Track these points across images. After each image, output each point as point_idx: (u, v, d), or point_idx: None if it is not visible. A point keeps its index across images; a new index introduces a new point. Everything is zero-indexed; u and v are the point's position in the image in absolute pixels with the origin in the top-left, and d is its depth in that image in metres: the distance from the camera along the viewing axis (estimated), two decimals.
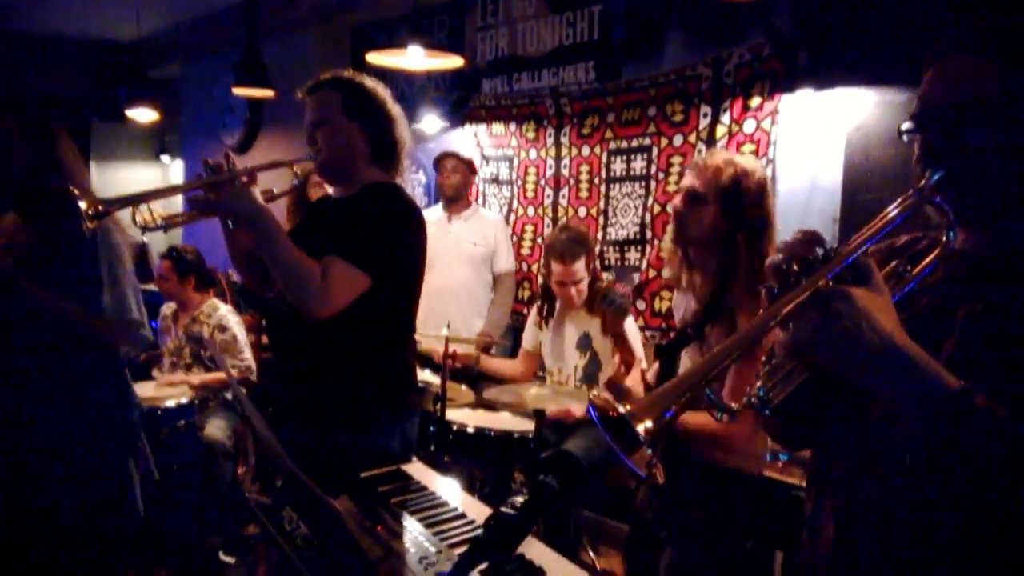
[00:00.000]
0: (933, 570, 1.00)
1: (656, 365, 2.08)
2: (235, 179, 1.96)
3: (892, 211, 1.00)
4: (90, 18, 6.64)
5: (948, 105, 1.04)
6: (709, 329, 1.97)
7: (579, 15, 4.13)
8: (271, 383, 3.77)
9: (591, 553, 3.52)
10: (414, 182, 5.18)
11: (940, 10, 2.76)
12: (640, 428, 0.83)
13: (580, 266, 3.30)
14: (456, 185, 4.21)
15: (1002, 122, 1.00)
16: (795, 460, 2.56)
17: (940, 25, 2.70)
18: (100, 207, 1.78)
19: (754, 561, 2.32)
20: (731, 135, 3.50)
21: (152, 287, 4.35)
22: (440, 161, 4.27)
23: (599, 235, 4.11)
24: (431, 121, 4.75)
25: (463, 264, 4.15)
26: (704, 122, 3.63)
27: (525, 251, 4.54)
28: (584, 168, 4.22)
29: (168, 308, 4.13)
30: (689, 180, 2.03)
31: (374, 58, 3.61)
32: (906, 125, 1.09)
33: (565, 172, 4.32)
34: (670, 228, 2.12)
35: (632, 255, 4.00)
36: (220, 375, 3.88)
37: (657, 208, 3.86)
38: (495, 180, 4.70)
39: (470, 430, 3.24)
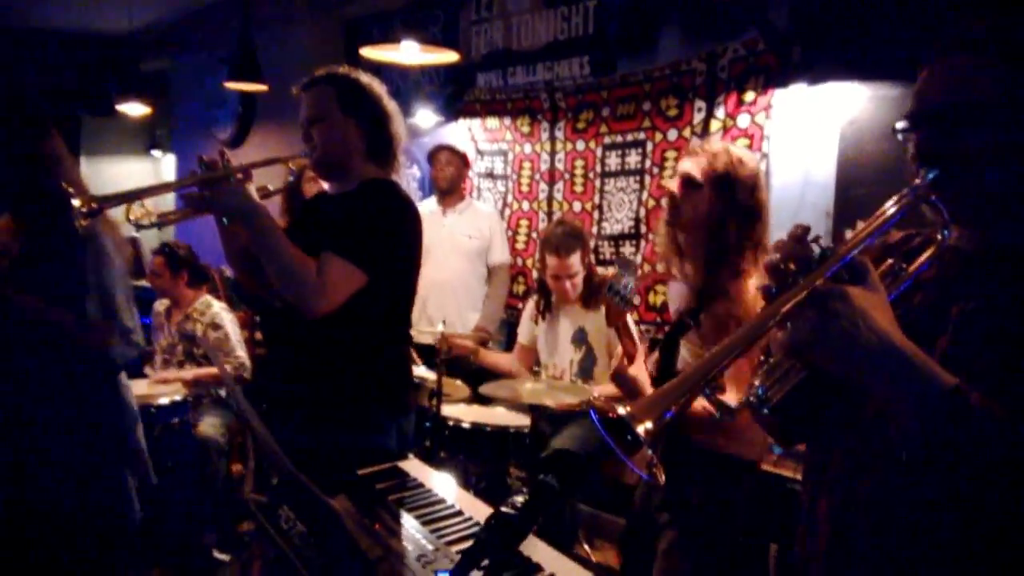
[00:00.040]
0: (929, 568, 1.00)
1: (656, 354, 2.12)
2: (230, 176, 1.95)
3: (888, 209, 1.01)
4: (80, 11, 6.59)
5: (944, 104, 1.04)
6: (702, 316, 2.01)
7: (574, 9, 4.12)
8: (265, 380, 3.76)
9: (586, 547, 3.54)
10: (408, 177, 5.17)
11: (934, 6, 2.76)
12: (640, 429, 0.83)
13: (575, 260, 3.30)
14: (450, 178, 4.21)
15: (997, 122, 1.01)
16: (789, 453, 2.57)
17: (934, 21, 2.70)
18: (94, 204, 1.76)
19: (749, 552, 2.34)
20: (725, 129, 3.51)
21: (145, 283, 4.34)
22: (434, 154, 4.27)
23: (594, 229, 4.11)
24: (425, 115, 4.74)
25: (458, 257, 4.16)
26: (698, 116, 3.63)
27: (520, 245, 4.54)
28: (579, 162, 4.21)
29: (161, 305, 4.11)
30: (685, 165, 2.08)
31: (368, 52, 3.60)
32: (901, 124, 1.10)
33: (560, 166, 4.32)
34: (664, 212, 2.16)
35: (627, 249, 4.01)
36: (213, 370, 3.86)
37: (652, 203, 3.86)
38: (490, 174, 4.69)
39: (466, 426, 3.24)
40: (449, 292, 4.09)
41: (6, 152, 2.13)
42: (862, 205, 3.05)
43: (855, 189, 3.12)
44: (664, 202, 2.15)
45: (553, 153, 4.33)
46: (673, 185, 2.11)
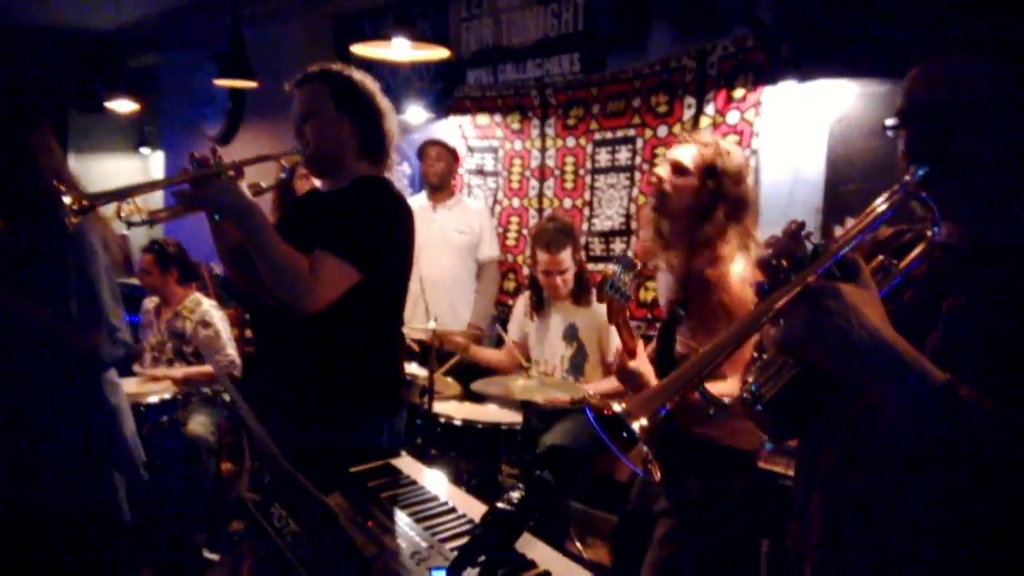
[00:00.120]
0: (922, 562, 1.01)
1: (653, 344, 2.16)
2: (222, 173, 1.94)
3: (879, 206, 1.01)
4: (68, 7, 6.53)
5: (934, 102, 1.05)
6: (690, 306, 2.06)
7: (564, 6, 4.12)
8: (255, 378, 3.75)
9: (578, 544, 3.55)
10: (399, 173, 5.14)
11: (922, 4, 2.78)
12: (636, 426, 0.84)
13: (566, 256, 3.31)
14: (440, 172, 4.21)
15: (987, 120, 1.02)
16: (780, 449, 2.58)
17: (922, 19, 2.72)
18: (85, 202, 1.75)
19: (742, 546, 2.36)
20: (715, 126, 3.52)
21: (134, 281, 4.32)
22: (424, 149, 4.27)
23: (584, 226, 4.12)
24: (416, 112, 4.73)
25: (449, 252, 4.16)
26: (688, 113, 3.64)
27: (510, 242, 4.54)
28: (569, 159, 4.22)
29: (150, 302, 4.08)
30: (675, 153, 2.14)
31: (359, 49, 3.59)
32: (891, 121, 1.10)
33: (550, 163, 4.32)
34: (650, 198, 2.21)
35: (617, 246, 4.02)
36: (203, 369, 3.84)
37: (642, 199, 3.87)
38: (480, 171, 4.69)
39: (457, 423, 3.25)
40: (441, 288, 4.08)
41: None
42: (851, 202, 3.07)
43: (844, 186, 3.14)
44: (646, 178, 2.19)
45: (543, 150, 4.33)
46: (662, 171, 2.15)
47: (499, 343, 3.98)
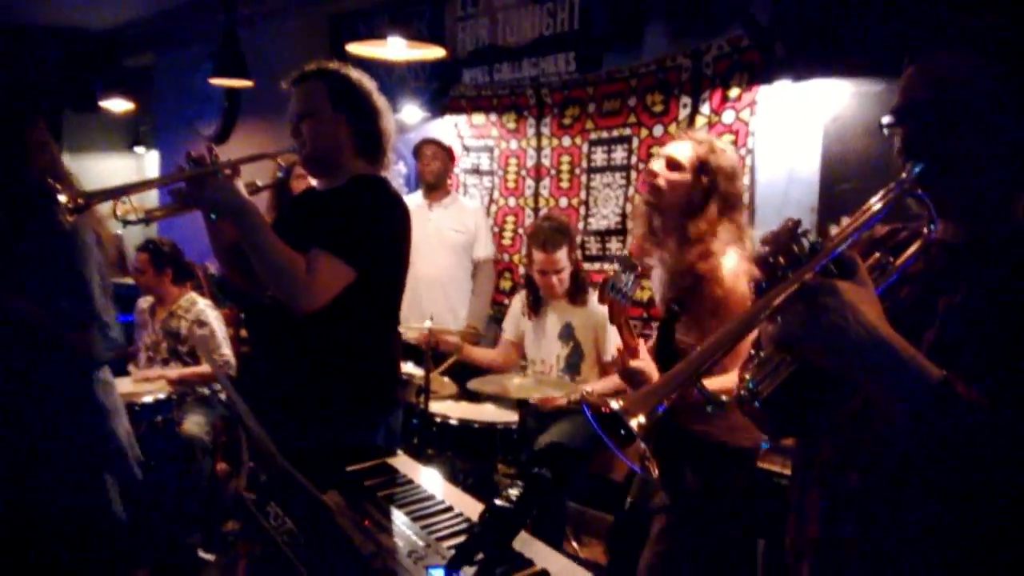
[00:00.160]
0: (919, 558, 1.02)
1: (653, 340, 2.20)
2: (218, 171, 1.94)
3: (875, 204, 1.02)
4: (63, 5, 6.51)
5: (930, 99, 1.05)
6: (684, 301, 2.09)
7: (559, 5, 4.12)
8: (250, 378, 3.75)
9: (574, 543, 3.55)
10: (395, 172, 5.15)
11: (916, 3, 2.78)
12: (634, 423, 0.84)
13: (562, 255, 3.31)
14: (436, 171, 4.21)
15: (983, 117, 1.02)
16: (776, 448, 2.59)
17: (917, 18, 2.73)
18: (81, 200, 1.75)
19: (739, 544, 2.38)
20: (710, 125, 3.52)
21: (128, 280, 4.30)
22: (420, 148, 4.27)
23: (580, 225, 4.12)
24: (411, 111, 4.73)
25: (445, 251, 4.16)
26: (684, 112, 3.65)
27: (506, 241, 4.54)
28: (565, 158, 4.22)
29: (145, 302, 4.07)
30: (670, 149, 2.19)
31: (354, 48, 3.59)
32: (887, 119, 1.11)
33: (546, 162, 4.32)
34: (644, 191, 2.28)
35: (613, 245, 4.02)
36: (198, 370, 3.84)
37: (638, 198, 3.87)
38: (476, 170, 4.69)
39: (453, 422, 3.25)
40: (437, 287, 4.09)
41: None
42: (846, 201, 3.08)
43: (839, 185, 3.15)
44: (643, 179, 2.22)
45: (539, 149, 4.34)
46: (657, 166, 2.19)
47: (495, 343, 3.98)
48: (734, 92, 3.44)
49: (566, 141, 4.20)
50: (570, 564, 1.36)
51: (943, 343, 1.01)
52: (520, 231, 4.45)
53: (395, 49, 3.52)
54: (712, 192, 2.11)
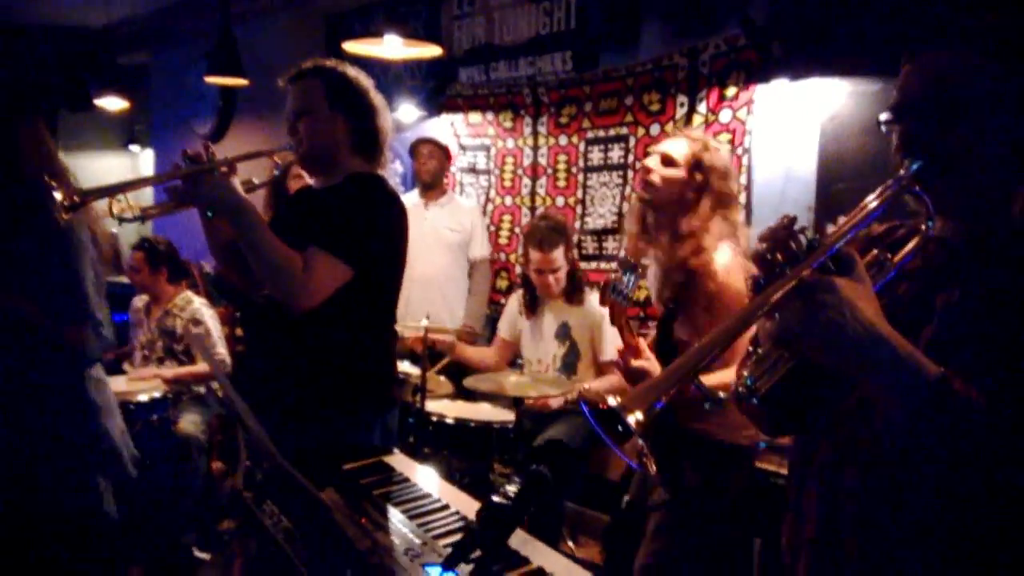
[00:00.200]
0: (917, 555, 1.02)
1: (652, 335, 2.23)
2: (214, 169, 1.93)
3: (872, 201, 1.02)
4: (58, 4, 6.49)
5: (928, 96, 1.06)
6: (679, 297, 2.13)
7: (556, 4, 4.12)
8: (244, 377, 3.74)
9: (570, 543, 3.55)
10: (391, 171, 5.15)
11: (913, 3, 2.79)
12: (631, 420, 0.83)
13: (559, 254, 3.31)
14: (433, 171, 4.21)
15: (980, 114, 1.02)
16: (773, 448, 2.59)
17: (913, 17, 2.73)
18: (76, 198, 1.74)
19: (736, 543, 2.38)
20: (707, 124, 3.52)
21: (123, 279, 4.29)
22: (416, 147, 4.26)
23: (577, 224, 4.12)
24: (408, 110, 4.73)
25: (441, 251, 4.15)
26: (681, 112, 3.65)
27: (503, 240, 4.54)
28: (561, 157, 4.22)
29: (140, 300, 4.06)
30: (665, 146, 2.21)
31: (350, 46, 3.58)
32: (884, 116, 1.11)
33: (542, 161, 4.32)
34: (637, 187, 2.30)
35: (610, 244, 4.02)
36: (194, 369, 3.82)
37: (634, 196, 3.87)
38: (472, 169, 4.69)
39: (450, 421, 3.24)
40: (433, 286, 4.08)
41: None
42: (843, 200, 3.08)
43: (836, 184, 3.15)
44: (639, 177, 2.28)
45: (536, 148, 4.33)
46: (651, 163, 2.21)
47: (489, 342, 3.98)
48: (731, 91, 3.44)
49: (563, 140, 4.20)
50: (567, 562, 1.36)
51: (941, 340, 1.01)
52: (517, 230, 4.44)
53: (391, 47, 3.51)
54: (705, 189, 2.13)
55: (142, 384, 3.60)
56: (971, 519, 0.96)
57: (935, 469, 0.95)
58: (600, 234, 4.06)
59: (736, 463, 2.24)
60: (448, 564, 1.09)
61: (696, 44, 3.54)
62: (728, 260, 2.11)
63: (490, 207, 4.59)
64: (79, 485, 2.19)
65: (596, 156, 4.05)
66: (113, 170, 7.85)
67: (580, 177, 4.14)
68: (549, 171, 4.29)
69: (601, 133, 4.02)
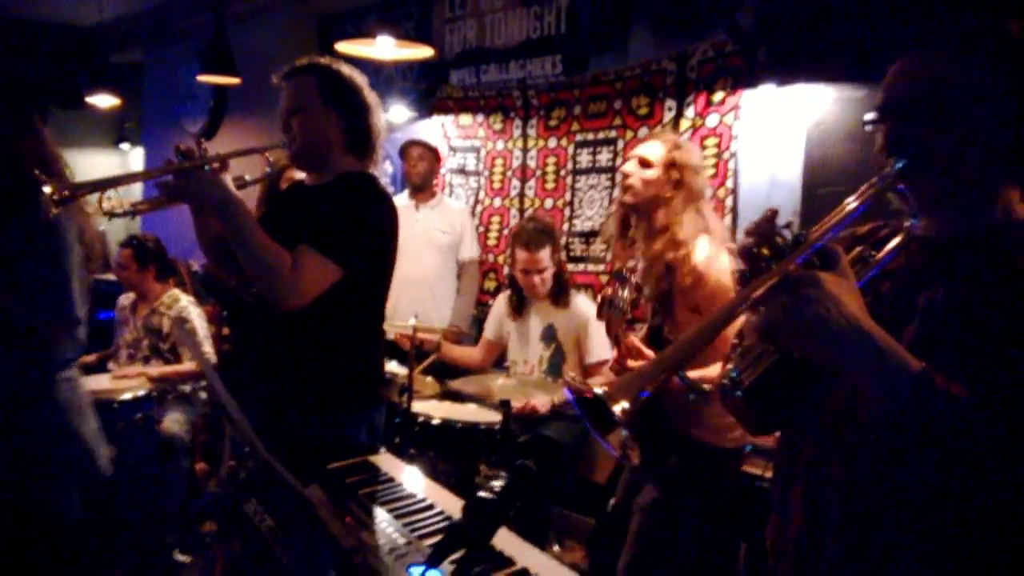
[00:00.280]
0: (901, 551, 1.02)
1: (644, 331, 2.30)
2: (206, 165, 1.92)
3: (856, 198, 1.03)
4: (50, 1, 6.46)
5: (913, 96, 1.07)
6: (663, 292, 2.21)
7: (546, 8, 4.14)
8: (231, 375, 3.71)
9: (556, 546, 3.54)
10: (381, 171, 5.14)
11: (897, 10, 2.82)
12: (617, 409, 0.84)
13: (545, 255, 3.31)
14: (423, 173, 4.21)
15: (964, 114, 1.04)
16: (758, 451, 2.60)
17: (899, 24, 2.75)
18: (66, 192, 1.72)
19: (720, 549, 2.39)
20: (695, 129, 3.55)
21: (109, 277, 4.25)
22: (406, 149, 4.26)
23: (565, 226, 4.14)
24: (398, 111, 4.73)
25: (432, 252, 4.15)
26: (668, 116, 3.67)
27: (491, 242, 4.54)
28: (551, 160, 4.23)
29: (126, 298, 4.02)
30: (641, 149, 2.32)
31: (343, 47, 3.58)
32: (870, 116, 1.12)
33: (532, 163, 4.33)
34: (616, 207, 2.41)
35: (597, 246, 4.03)
36: (179, 368, 3.80)
37: (616, 202, 3.88)
38: (462, 171, 4.69)
39: (436, 422, 3.23)
40: (424, 287, 4.08)
41: None
42: (828, 205, 3.03)
43: (821, 189, 3.17)
44: (618, 181, 2.38)
45: (525, 150, 4.35)
46: (629, 167, 2.31)
47: (476, 343, 3.97)
48: (718, 96, 3.46)
49: (552, 142, 4.21)
50: (553, 563, 1.35)
51: (923, 338, 1.02)
52: (505, 231, 4.45)
53: (383, 49, 3.52)
54: (679, 186, 2.23)
55: (126, 382, 3.56)
56: (955, 514, 0.97)
57: (919, 464, 0.96)
58: (588, 236, 4.07)
59: (721, 466, 2.26)
60: (432, 561, 1.08)
61: (684, 49, 3.56)
62: (707, 253, 2.17)
63: (479, 208, 4.60)
64: (41, 487, 2.15)
65: (585, 159, 4.07)
66: (103, 168, 7.78)
67: (569, 179, 4.15)
68: (538, 173, 4.30)
69: (590, 136, 4.03)
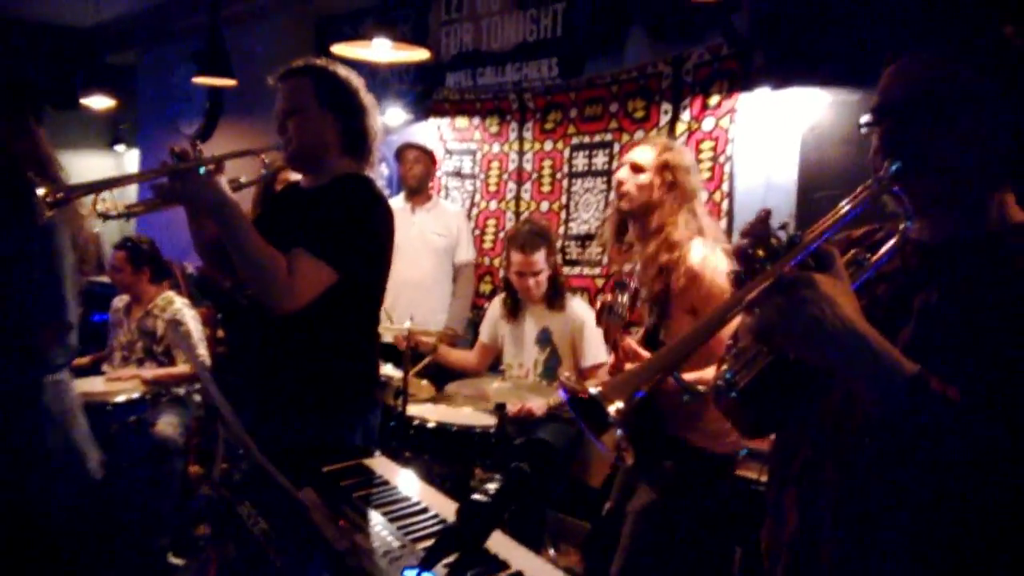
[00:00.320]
0: (893, 551, 1.02)
1: (641, 332, 2.31)
2: (201, 167, 1.92)
3: (852, 201, 1.03)
4: (46, 1, 6.45)
5: (908, 98, 1.07)
6: (660, 292, 2.22)
7: (543, 11, 4.15)
8: (225, 378, 3.70)
9: (551, 550, 3.53)
10: (377, 174, 5.13)
11: (892, 14, 2.82)
12: (611, 409, 0.83)
13: (540, 257, 3.31)
14: (419, 176, 4.20)
15: (959, 116, 1.04)
16: (753, 454, 2.60)
17: (894, 28, 2.76)
18: (60, 194, 1.71)
19: (715, 553, 2.39)
20: (691, 132, 3.55)
21: (104, 279, 4.24)
22: (402, 152, 4.25)
23: (561, 229, 4.14)
24: (395, 114, 4.73)
25: (428, 255, 4.15)
26: (664, 119, 3.67)
27: (487, 245, 4.54)
28: (546, 163, 4.23)
29: (120, 301, 4.01)
30: (632, 155, 2.34)
31: (339, 49, 3.57)
32: (865, 118, 1.12)
33: (528, 166, 4.33)
34: (612, 212, 2.42)
35: (593, 250, 4.03)
36: (173, 370, 3.78)
37: (612, 209, 3.88)
38: (458, 173, 4.69)
39: (431, 425, 3.22)
40: (420, 290, 4.07)
41: None
42: (823, 209, 3.04)
43: (816, 193, 3.18)
44: (614, 199, 2.38)
45: (521, 153, 4.35)
46: (623, 174, 2.32)
47: (471, 346, 3.97)
48: (714, 99, 3.47)
49: (548, 146, 4.22)
50: (547, 567, 1.35)
51: (918, 341, 1.02)
52: (501, 235, 4.45)
53: (380, 51, 3.51)
54: (673, 187, 2.25)
55: (120, 384, 3.55)
56: (950, 517, 0.97)
57: (914, 467, 0.96)
58: (583, 239, 4.08)
59: (716, 471, 2.26)
60: (425, 564, 1.08)
61: (680, 52, 3.57)
62: (701, 254, 2.18)
63: (475, 211, 4.60)
64: (29, 490, 2.13)
65: (581, 162, 4.07)
66: (97, 170, 7.76)
67: (565, 183, 4.16)
68: (534, 176, 4.30)
69: (586, 139, 4.04)
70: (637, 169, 2.29)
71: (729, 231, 3.36)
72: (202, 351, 3.83)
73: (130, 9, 6.59)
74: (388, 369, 3.46)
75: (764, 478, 2.33)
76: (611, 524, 2.34)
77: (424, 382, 3.63)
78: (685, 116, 3.58)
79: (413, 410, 3.33)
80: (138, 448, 3.44)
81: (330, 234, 1.96)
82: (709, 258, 2.17)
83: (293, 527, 1.33)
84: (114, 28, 6.93)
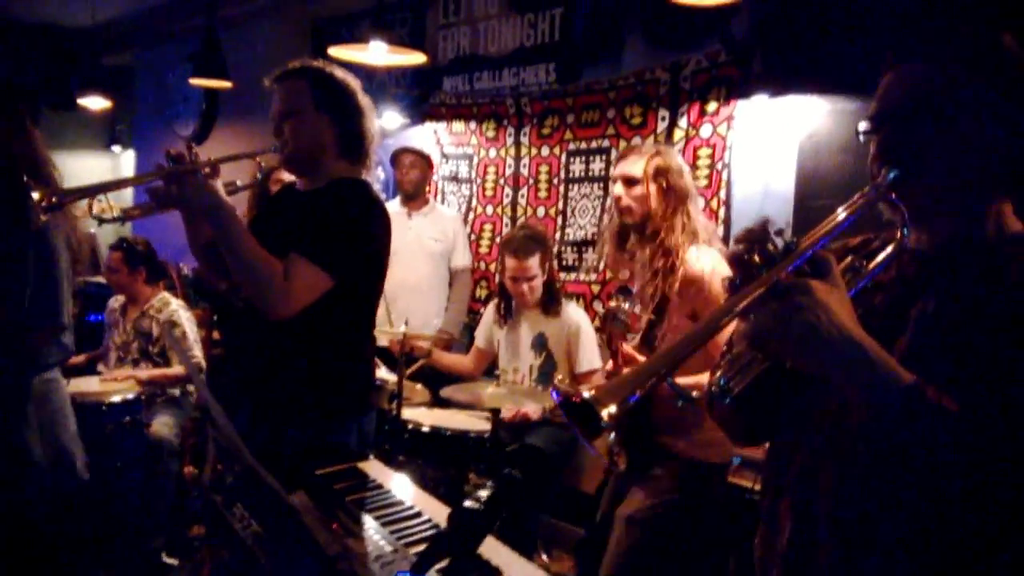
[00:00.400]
0: (889, 561, 1.02)
1: (639, 337, 2.30)
2: (197, 170, 1.91)
3: (848, 208, 1.03)
4: (42, 2, 6.45)
5: (904, 106, 1.07)
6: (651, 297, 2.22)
7: (540, 16, 4.15)
8: (220, 380, 3.69)
9: (544, 556, 3.53)
10: (373, 177, 5.13)
11: (891, 22, 2.83)
12: (604, 413, 0.83)
13: (534, 262, 3.30)
14: (415, 181, 4.20)
15: (957, 124, 1.04)
16: (746, 463, 2.60)
17: (893, 36, 2.77)
18: (55, 198, 1.71)
19: (709, 563, 2.39)
20: (688, 139, 3.55)
21: (100, 279, 4.24)
22: (398, 157, 4.25)
23: (557, 235, 4.13)
24: (391, 117, 4.73)
25: (424, 259, 4.15)
26: (662, 125, 3.67)
27: (483, 250, 4.54)
28: (543, 168, 4.23)
29: (116, 301, 4.01)
30: (623, 168, 2.35)
31: (336, 52, 3.57)
32: (863, 126, 1.12)
33: (524, 172, 4.33)
34: (613, 220, 2.44)
35: (589, 256, 4.03)
36: (168, 371, 3.78)
37: (614, 220, 3.88)
38: (454, 178, 4.69)
39: (425, 429, 3.22)
40: (416, 295, 4.07)
41: None
42: (821, 217, 3.05)
43: (813, 201, 3.18)
44: (610, 205, 2.41)
45: (518, 158, 4.35)
46: (618, 190, 2.34)
47: (467, 351, 3.97)
48: (712, 106, 3.47)
49: (545, 151, 4.21)
50: (539, 573, 1.35)
51: (915, 350, 1.02)
52: (497, 240, 4.44)
53: (376, 54, 3.51)
54: (668, 192, 2.26)
55: (115, 385, 3.55)
56: (945, 525, 0.96)
57: (909, 475, 0.95)
58: (580, 245, 4.07)
59: (708, 480, 2.25)
60: (417, 569, 1.07)
61: (678, 59, 3.57)
62: (698, 257, 2.19)
63: (471, 216, 4.59)
64: (13, 488, 2.12)
65: (577, 168, 4.07)
66: (94, 170, 7.76)
67: (561, 188, 4.15)
68: (531, 181, 4.30)
69: (583, 145, 4.04)
70: (630, 182, 2.31)
71: (726, 239, 3.36)
72: (197, 352, 3.83)
73: (127, 11, 6.59)
74: (383, 372, 3.46)
75: (758, 487, 2.33)
76: (604, 530, 2.33)
77: (419, 386, 3.63)
78: (683, 123, 3.58)
79: (408, 414, 3.33)
80: (133, 449, 3.45)
81: (327, 239, 1.95)
82: (708, 261, 2.17)
83: (285, 530, 1.33)
84: (111, 29, 6.92)
